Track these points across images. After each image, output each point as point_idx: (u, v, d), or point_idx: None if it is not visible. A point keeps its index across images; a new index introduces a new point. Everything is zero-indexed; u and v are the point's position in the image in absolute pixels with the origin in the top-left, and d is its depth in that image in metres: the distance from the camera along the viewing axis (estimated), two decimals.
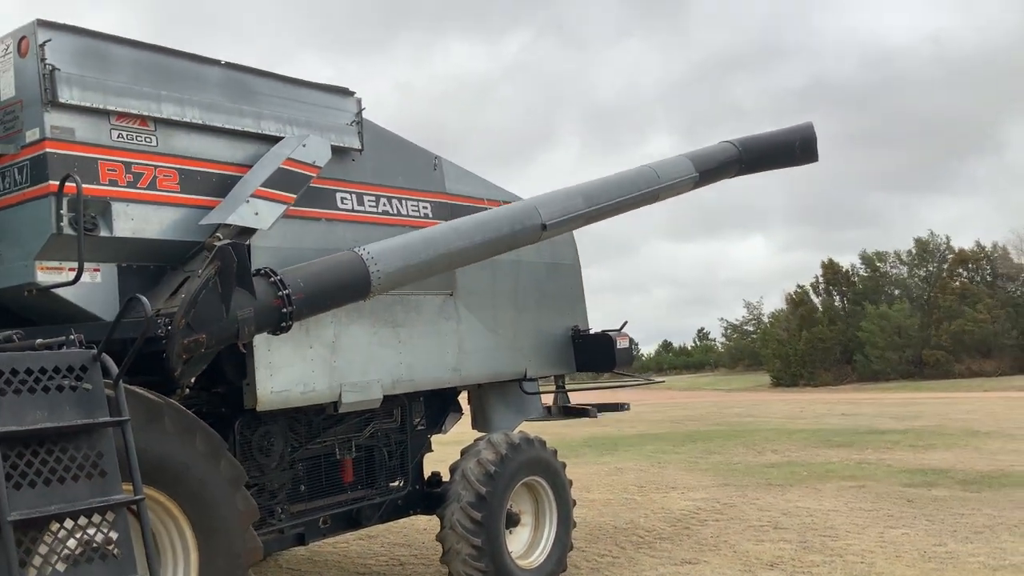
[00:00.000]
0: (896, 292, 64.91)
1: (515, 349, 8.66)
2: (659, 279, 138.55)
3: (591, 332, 9.49)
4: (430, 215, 7.88)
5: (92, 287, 5.53)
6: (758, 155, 9.51)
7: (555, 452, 8.57)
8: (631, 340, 9.69)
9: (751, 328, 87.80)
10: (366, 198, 7.27)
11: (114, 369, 4.72)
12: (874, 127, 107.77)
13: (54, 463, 4.44)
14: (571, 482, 8.76)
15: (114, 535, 4.51)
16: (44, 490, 4.38)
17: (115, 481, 4.59)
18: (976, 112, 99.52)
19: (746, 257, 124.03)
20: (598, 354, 9.39)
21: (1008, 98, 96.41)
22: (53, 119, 5.33)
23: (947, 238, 65.13)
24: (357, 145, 7.18)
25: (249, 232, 6.07)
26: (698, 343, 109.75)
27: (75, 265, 5.19)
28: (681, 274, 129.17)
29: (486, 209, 8.43)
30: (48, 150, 5.29)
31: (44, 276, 5.36)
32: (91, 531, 4.47)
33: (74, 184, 5.08)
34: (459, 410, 8.97)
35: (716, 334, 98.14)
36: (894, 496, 11.80)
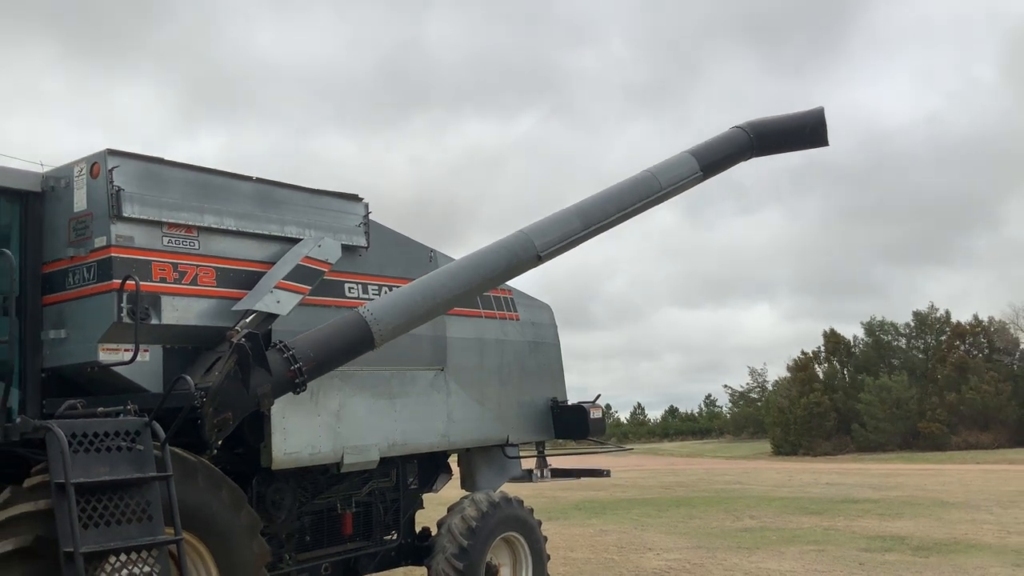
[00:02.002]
0: (896, 363, 65.65)
1: (499, 418, 9.82)
2: (669, 345, 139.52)
3: (568, 403, 10.65)
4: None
5: (142, 365, 6.73)
6: (769, 138, 9.44)
7: (532, 511, 9.67)
8: (603, 411, 10.84)
9: (755, 395, 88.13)
10: (370, 287, 8.51)
11: (161, 434, 5.96)
12: (873, 204, 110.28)
13: (113, 508, 5.65)
14: (546, 538, 9.84)
15: (157, 568, 5.69)
16: (105, 529, 5.58)
17: (159, 524, 5.80)
18: (973, 189, 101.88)
19: (753, 325, 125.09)
20: (574, 423, 10.55)
21: (1004, 177, 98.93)
22: (118, 229, 6.62)
23: (947, 312, 66.11)
24: (364, 243, 8.45)
25: (272, 317, 7.31)
26: (704, 409, 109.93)
27: (130, 346, 6.43)
28: (690, 341, 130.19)
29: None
30: (113, 255, 6.57)
31: (105, 356, 6.59)
32: (140, 564, 5.67)
33: (133, 283, 6.33)
34: (449, 471, 10.11)
35: (723, 400, 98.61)
36: (848, 559, 12.79)
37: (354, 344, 7.15)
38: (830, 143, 9.49)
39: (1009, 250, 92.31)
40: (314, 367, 6.88)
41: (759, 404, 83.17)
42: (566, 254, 8.67)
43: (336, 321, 7.27)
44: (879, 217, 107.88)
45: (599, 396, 10.79)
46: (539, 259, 8.03)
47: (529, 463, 10.83)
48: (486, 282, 7.95)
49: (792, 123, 9.48)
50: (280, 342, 6.87)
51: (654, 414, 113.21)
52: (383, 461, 8.44)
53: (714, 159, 9.20)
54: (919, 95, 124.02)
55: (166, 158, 7.11)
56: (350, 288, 8.32)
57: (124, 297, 6.47)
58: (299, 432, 7.57)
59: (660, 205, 9.27)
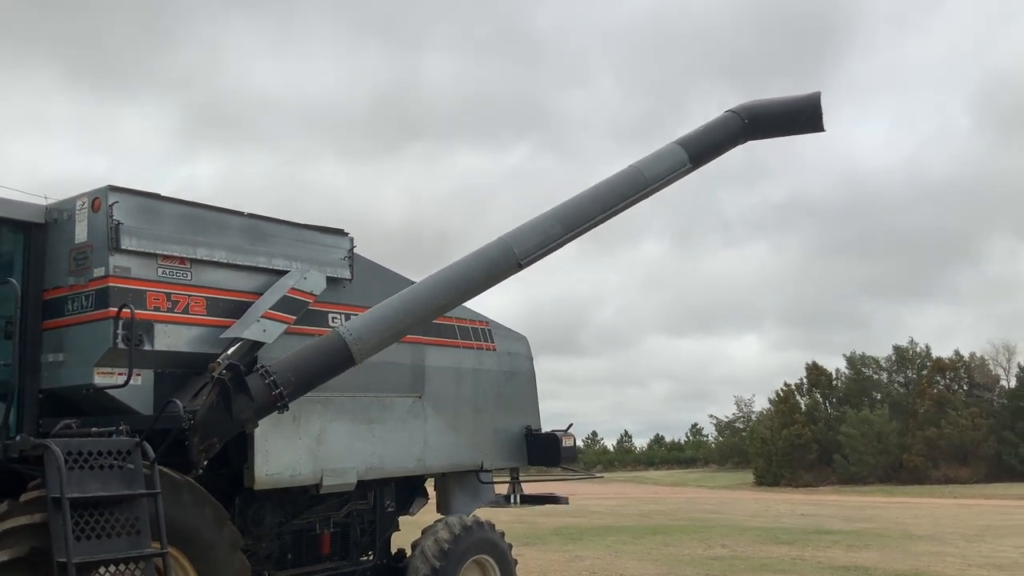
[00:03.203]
0: (877, 396, 66.29)
1: (474, 444, 10.24)
2: (656, 373, 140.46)
3: (541, 432, 11.08)
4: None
5: (134, 388, 7.14)
6: (764, 122, 9.17)
7: (503, 534, 10.08)
8: (575, 439, 11.28)
9: (741, 425, 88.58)
10: (353, 317, 8.95)
11: (151, 454, 6.38)
12: (853, 240, 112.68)
13: (104, 522, 6.07)
14: (516, 561, 10.23)
15: None
16: (96, 542, 6.00)
17: (147, 538, 6.20)
18: (953, 228, 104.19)
19: (740, 355, 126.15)
20: (546, 451, 10.97)
21: (983, 216, 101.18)
22: (116, 260, 7.07)
23: (927, 347, 66.89)
24: (348, 276, 8.91)
25: (258, 344, 7.75)
26: (690, 438, 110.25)
27: (124, 370, 6.86)
28: (677, 369, 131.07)
29: (451, 326, 10.18)
30: (111, 284, 7.01)
31: (100, 379, 7.02)
32: (127, 575, 6.04)
33: (129, 311, 6.77)
34: (425, 495, 10.52)
35: (709, 429, 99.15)
36: None
37: (335, 363, 7.36)
38: (825, 129, 9.13)
39: (991, 287, 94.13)
40: (295, 388, 7.16)
41: (744, 434, 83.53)
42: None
43: (317, 341, 7.53)
44: (861, 253, 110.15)
45: (571, 425, 11.23)
46: (520, 266, 7.96)
47: (502, 488, 11.23)
48: (466, 293, 7.94)
49: (788, 107, 9.17)
50: (262, 366, 7.17)
51: (640, 442, 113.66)
52: (361, 484, 8.85)
53: (704, 147, 8.90)
54: (897, 138, 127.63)
55: (163, 194, 7.57)
56: (334, 318, 8.76)
57: (120, 324, 6.91)
58: (281, 454, 7.98)
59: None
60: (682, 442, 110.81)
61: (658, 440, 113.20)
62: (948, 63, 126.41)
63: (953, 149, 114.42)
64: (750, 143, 9.34)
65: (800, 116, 9.12)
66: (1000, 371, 64.03)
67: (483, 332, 10.71)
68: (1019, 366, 61.57)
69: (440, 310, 8.02)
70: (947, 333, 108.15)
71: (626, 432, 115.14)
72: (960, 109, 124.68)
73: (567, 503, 11.41)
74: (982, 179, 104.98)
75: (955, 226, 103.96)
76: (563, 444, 10.96)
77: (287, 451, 8.05)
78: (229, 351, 7.43)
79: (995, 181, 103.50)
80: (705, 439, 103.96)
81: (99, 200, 7.19)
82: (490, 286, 7.99)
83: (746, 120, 9.03)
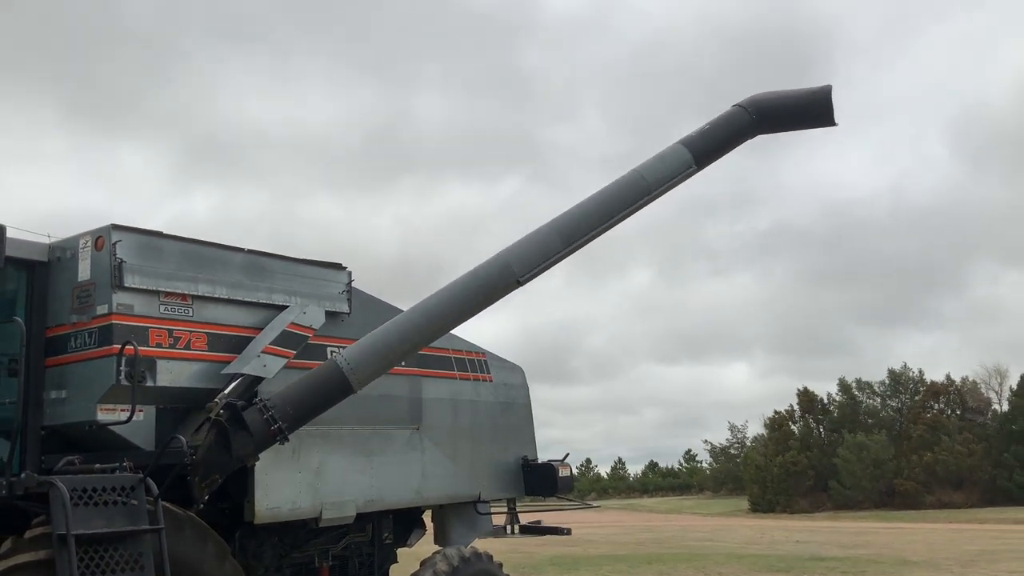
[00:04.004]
0: (870, 422, 66.34)
1: (471, 475, 10.31)
2: (649, 400, 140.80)
3: (538, 462, 11.15)
4: (404, 363, 9.65)
5: (136, 424, 7.21)
6: (773, 116, 8.78)
7: (501, 565, 10.11)
8: (571, 469, 11.35)
9: (735, 451, 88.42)
10: (348, 346, 9.05)
11: (155, 490, 6.45)
12: (839, 267, 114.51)
13: (108, 558, 6.14)
14: None
15: None
16: None
17: (150, 574, 6.27)
18: (935, 254, 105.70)
19: (731, 381, 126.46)
20: (543, 481, 11.04)
21: (963, 243, 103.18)
22: (119, 298, 7.18)
23: (920, 371, 67.04)
24: (346, 310, 9.02)
25: (259, 379, 7.84)
26: (685, 465, 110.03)
27: (127, 407, 6.95)
28: (670, 395, 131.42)
29: (448, 358, 10.29)
30: (114, 322, 7.12)
31: (103, 415, 7.10)
32: None
33: (132, 348, 6.87)
34: (423, 527, 10.57)
35: (704, 455, 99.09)
36: None
37: (333, 393, 7.38)
38: (837, 123, 8.72)
39: (975, 312, 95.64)
40: (294, 421, 7.24)
41: (738, 460, 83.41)
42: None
43: (314, 372, 7.58)
44: (846, 280, 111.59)
45: (567, 455, 11.31)
46: (519, 283, 7.72)
47: (500, 519, 11.27)
48: (463, 315, 7.77)
49: (798, 100, 8.75)
50: (261, 401, 7.21)
51: (635, 468, 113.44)
52: (359, 516, 8.91)
53: (710, 146, 8.50)
54: (878, 168, 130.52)
55: (164, 231, 7.70)
56: (332, 352, 8.85)
57: (123, 361, 7.00)
58: (280, 488, 8.05)
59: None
60: (676, 469, 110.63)
61: (652, 467, 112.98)
62: (923, 96, 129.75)
63: (932, 179, 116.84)
64: (760, 136, 8.91)
65: (810, 110, 8.74)
66: (992, 395, 64.27)
67: (480, 363, 10.82)
68: (1011, 389, 61.77)
69: (437, 333, 7.86)
70: (934, 358, 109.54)
71: (620, 459, 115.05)
72: (936, 140, 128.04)
73: (568, 533, 11.45)
74: (961, 207, 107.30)
75: (937, 253, 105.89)
76: (560, 474, 11.04)
77: (287, 485, 8.12)
78: (228, 389, 7.51)
79: (974, 209, 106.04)
80: (699, 465, 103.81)
81: (102, 238, 7.31)
82: (488, 305, 7.81)
83: (754, 115, 8.63)
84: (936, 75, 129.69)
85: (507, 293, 7.79)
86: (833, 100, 8.71)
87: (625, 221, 8.33)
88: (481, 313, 7.98)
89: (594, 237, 8.09)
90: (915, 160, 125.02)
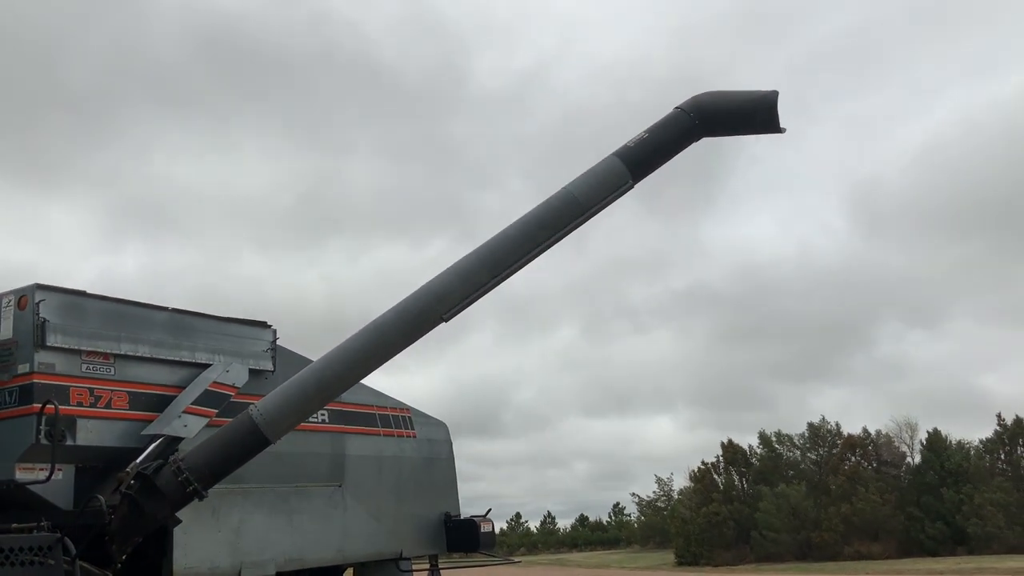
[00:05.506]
0: (791, 473, 67.69)
1: (394, 532, 10.42)
2: (577, 453, 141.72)
3: (460, 518, 11.31)
4: (327, 420, 9.79)
5: (55, 483, 7.19)
6: (715, 120, 8.24)
7: None
8: (494, 525, 11.53)
9: (662, 504, 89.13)
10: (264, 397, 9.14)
11: (72, 550, 6.45)
12: (751, 326, 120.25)
13: None
14: None
15: None
16: None
17: None
18: (842, 314, 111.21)
19: (656, 434, 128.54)
20: (465, 537, 11.20)
21: (868, 304, 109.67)
22: (41, 357, 7.21)
23: (837, 424, 68.83)
24: (271, 367, 9.14)
25: (179, 439, 7.89)
26: (613, 519, 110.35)
27: (45, 466, 6.94)
28: (598, 449, 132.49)
29: (372, 414, 10.44)
30: (35, 381, 7.14)
31: (21, 475, 7.07)
32: None
33: (52, 407, 6.90)
34: None
35: (632, 509, 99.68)
36: None
37: (248, 446, 7.31)
38: (783, 130, 8.18)
39: (882, 367, 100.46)
40: (211, 478, 7.23)
41: (665, 513, 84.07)
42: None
43: (229, 425, 7.49)
44: (760, 338, 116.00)
45: (489, 511, 11.50)
46: (444, 320, 7.40)
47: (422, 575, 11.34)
48: (383, 358, 7.47)
49: (742, 104, 8.23)
50: (176, 461, 7.16)
51: (565, 522, 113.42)
52: (280, 575, 8.93)
53: (647, 155, 7.96)
54: (784, 233, 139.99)
55: (89, 291, 7.78)
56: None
57: (43, 420, 7.02)
58: (199, 547, 8.06)
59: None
60: (605, 523, 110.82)
61: (582, 521, 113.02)
62: (821, 171, 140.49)
63: (833, 245, 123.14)
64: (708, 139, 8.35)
65: (755, 115, 8.22)
66: (904, 447, 66.24)
67: (404, 420, 10.98)
68: (921, 443, 63.78)
69: (357, 377, 7.64)
70: (847, 412, 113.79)
71: (549, 513, 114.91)
72: (835, 211, 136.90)
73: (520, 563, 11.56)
74: (863, 270, 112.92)
75: (844, 312, 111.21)
76: (482, 530, 11.21)
77: (206, 544, 8.14)
78: (144, 453, 7.49)
79: (875, 271, 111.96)
80: (628, 519, 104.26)
81: (26, 298, 7.35)
82: (409, 344, 7.47)
83: (696, 119, 8.10)
84: (831, 153, 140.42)
85: (430, 330, 7.48)
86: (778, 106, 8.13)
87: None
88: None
89: (523, 265, 7.68)
90: (817, 228, 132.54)
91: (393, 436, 10.73)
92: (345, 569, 10.45)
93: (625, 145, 8.00)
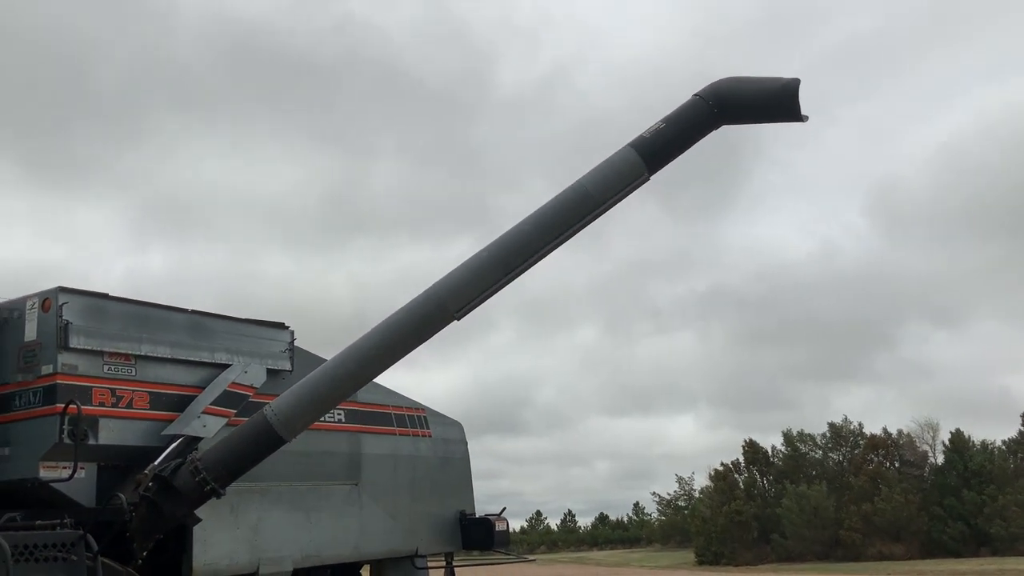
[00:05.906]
0: (813, 473, 67.37)
1: (409, 530, 10.58)
2: (598, 452, 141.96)
3: (475, 516, 11.45)
4: (344, 420, 9.96)
5: (77, 481, 7.38)
6: (734, 108, 7.92)
7: None
8: (508, 523, 11.68)
9: (683, 503, 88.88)
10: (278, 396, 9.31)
11: (95, 546, 6.65)
12: (773, 326, 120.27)
13: None
14: None
15: None
16: None
17: None
18: (866, 314, 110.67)
19: (678, 434, 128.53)
20: (480, 535, 11.35)
21: (892, 304, 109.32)
22: (64, 358, 7.41)
23: (860, 424, 68.41)
24: (288, 368, 9.31)
25: (198, 439, 8.08)
26: (634, 517, 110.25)
27: (68, 464, 7.14)
28: (619, 448, 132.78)
29: (387, 414, 10.60)
30: (59, 381, 7.35)
31: (45, 473, 7.28)
32: None
33: (75, 407, 7.10)
34: None
35: (652, 508, 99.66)
36: None
37: (264, 445, 7.44)
38: (805, 119, 7.83)
39: (906, 368, 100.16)
40: (228, 477, 7.39)
41: (686, 512, 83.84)
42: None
43: (244, 425, 7.62)
44: (782, 338, 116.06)
45: (504, 509, 11.65)
46: (456, 318, 7.33)
47: (437, 573, 11.50)
48: (395, 357, 7.44)
49: (762, 92, 7.93)
50: (193, 461, 7.32)
51: (585, 521, 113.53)
52: (297, 572, 9.09)
53: (663, 146, 7.68)
54: (805, 235, 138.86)
55: (111, 294, 7.98)
56: None
57: (66, 420, 7.22)
58: (218, 544, 8.25)
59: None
60: (626, 521, 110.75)
61: (602, 519, 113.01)
62: (840, 172, 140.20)
63: (855, 246, 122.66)
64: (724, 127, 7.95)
65: (777, 103, 7.88)
66: (927, 448, 65.76)
67: (419, 419, 11.14)
68: (943, 443, 63.32)
69: (370, 375, 7.64)
70: (870, 412, 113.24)
71: (570, 512, 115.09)
72: (855, 212, 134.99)
73: (535, 561, 11.71)
74: (886, 271, 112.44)
75: (868, 313, 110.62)
76: (496, 528, 11.35)
77: (225, 540, 8.32)
78: (165, 452, 7.67)
79: (898, 272, 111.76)
80: (648, 518, 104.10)
81: (49, 300, 7.55)
82: (422, 342, 7.43)
83: (715, 107, 7.79)
84: (848, 153, 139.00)
85: (442, 328, 7.40)
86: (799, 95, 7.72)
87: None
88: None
89: (536, 261, 7.54)
90: (838, 230, 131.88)
91: (409, 435, 10.89)
92: (361, 566, 10.63)
93: (641, 135, 7.71)
